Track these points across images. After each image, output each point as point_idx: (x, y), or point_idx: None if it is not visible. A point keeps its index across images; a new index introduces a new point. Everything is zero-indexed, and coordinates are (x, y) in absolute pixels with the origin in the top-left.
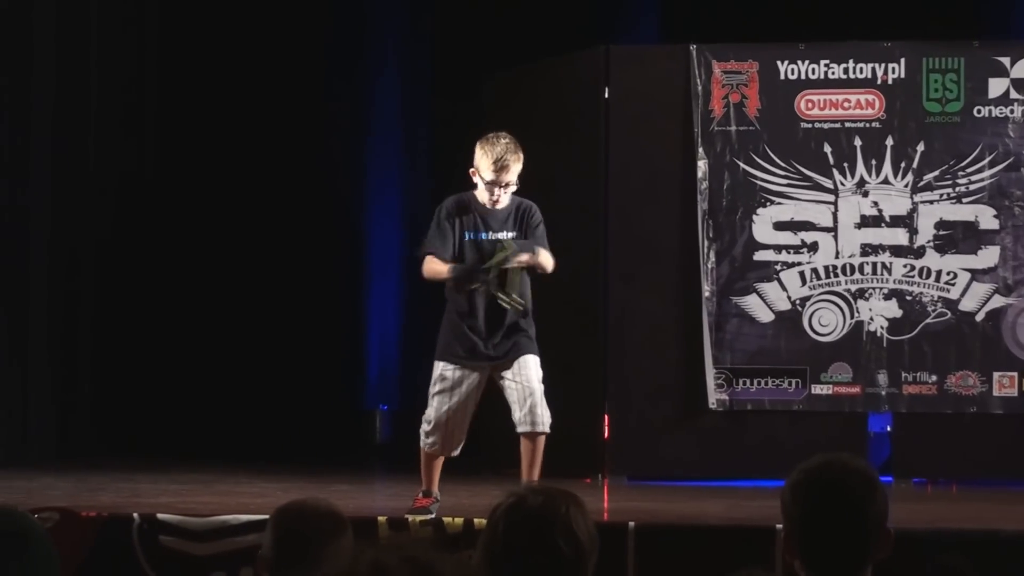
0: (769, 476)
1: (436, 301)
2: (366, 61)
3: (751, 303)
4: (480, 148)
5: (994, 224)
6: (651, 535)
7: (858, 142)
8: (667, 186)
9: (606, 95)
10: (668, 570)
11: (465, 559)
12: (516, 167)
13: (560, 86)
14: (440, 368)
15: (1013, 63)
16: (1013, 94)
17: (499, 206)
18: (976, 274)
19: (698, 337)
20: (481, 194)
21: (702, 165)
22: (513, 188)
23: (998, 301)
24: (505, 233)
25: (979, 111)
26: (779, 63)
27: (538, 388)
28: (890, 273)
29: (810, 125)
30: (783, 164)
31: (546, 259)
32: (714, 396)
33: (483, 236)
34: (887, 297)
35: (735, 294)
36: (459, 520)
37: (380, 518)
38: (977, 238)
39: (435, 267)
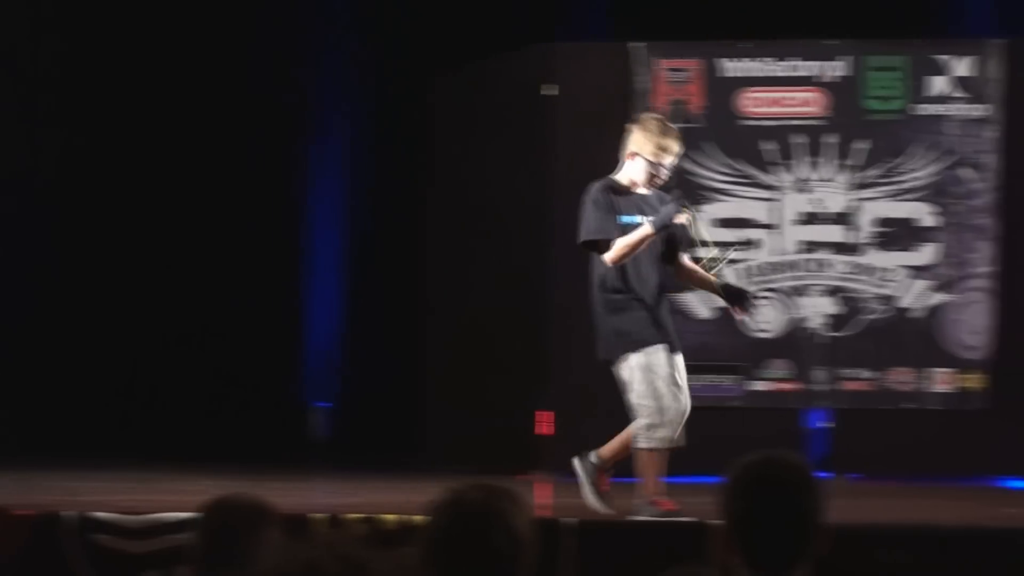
0: (707, 472)
1: (375, 296)
2: (308, 55)
3: (690, 300)
4: (657, 128)
5: (933, 221)
6: (588, 531)
7: (800, 140)
8: None
9: (549, 92)
10: (605, 566)
11: (400, 556)
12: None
13: (504, 83)
14: (650, 354)
15: (954, 62)
16: (954, 93)
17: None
18: (915, 271)
19: None
20: (634, 176)
21: None
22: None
23: (936, 298)
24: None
25: (920, 109)
26: (722, 61)
27: None
28: (830, 270)
29: (752, 123)
30: (725, 161)
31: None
32: None
33: (635, 219)
34: (827, 294)
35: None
36: (395, 517)
37: (316, 515)
38: (917, 235)
39: (629, 240)
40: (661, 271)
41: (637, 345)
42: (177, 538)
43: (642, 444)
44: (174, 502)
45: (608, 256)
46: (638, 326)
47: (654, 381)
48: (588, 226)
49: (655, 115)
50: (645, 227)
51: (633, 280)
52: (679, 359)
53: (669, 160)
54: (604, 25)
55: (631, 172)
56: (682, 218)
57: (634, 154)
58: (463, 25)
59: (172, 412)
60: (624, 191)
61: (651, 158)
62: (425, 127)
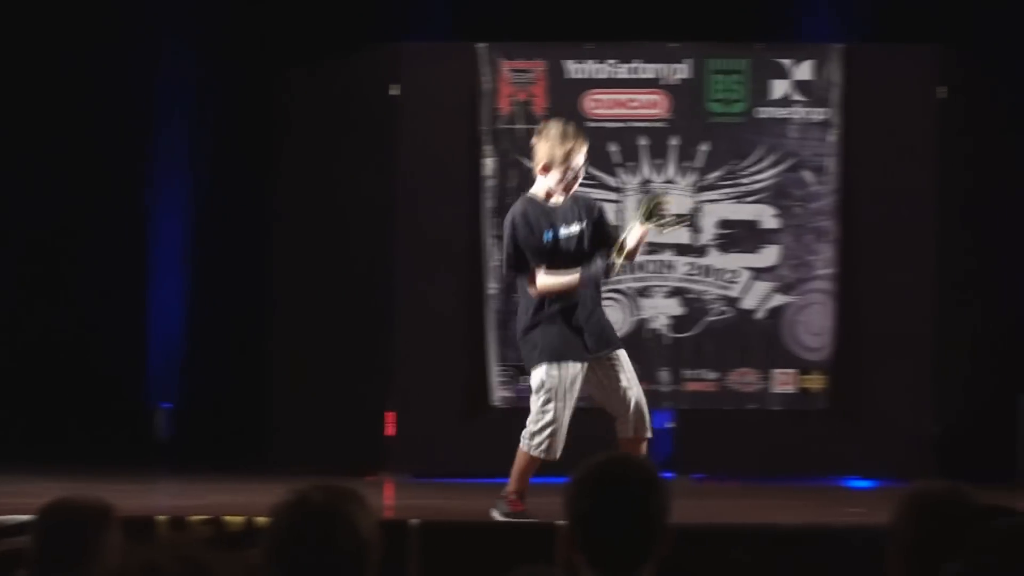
0: (552, 473)
1: (221, 296)
2: (154, 52)
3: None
4: (571, 135)
5: (775, 224)
6: (434, 532)
7: (643, 141)
8: (455, 183)
9: (395, 92)
10: (451, 567)
11: (245, 558)
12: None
13: (350, 83)
14: (551, 369)
15: (794, 66)
16: (794, 96)
17: (564, 196)
18: (757, 273)
19: (483, 334)
20: (547, 188)
21: (489, 163)
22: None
23: (778, 299)
24: (580, 226)
25: (761, 112)
26: (566, 62)
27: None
28: (674, 272)
29: (596, 124)
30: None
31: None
32: (498, 393)
33: (555, 234)
34: (670, 295)
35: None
36: (240, 519)
37: (159, 517)
38: (758, 237)
39: (560, 281)
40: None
41: (543, 359)
42: (15, 541)
43: (523, 447)
44: (15, 504)
45: (532, 291)
46: (547, 340)
47: (548, 395)
48: (509, 260)
49: (555, 120)
50: (574, 276)
51: (549, 299)
52: (619, 356)
53: (577, 161)
54: (450, 25)
55: (547, 184)
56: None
57: (545, 167)
58: (311, 24)
59: (13, 413)
60: (545, 205)
61: (561, 165)
62: (273, 125)
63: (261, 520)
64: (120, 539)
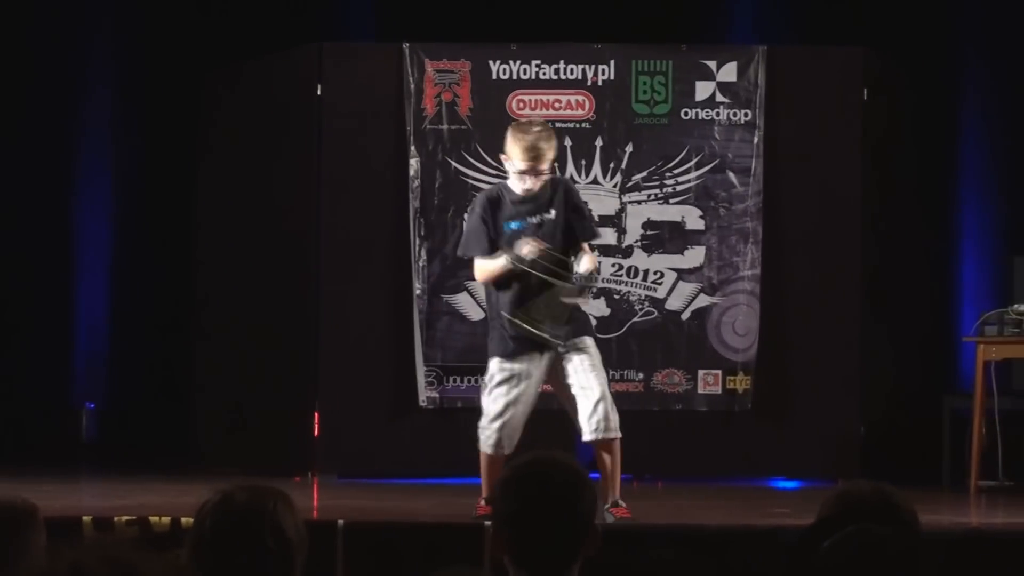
0: (479, 474)
1: (146, 296)
2: (76, 54)
3: (462, 301)
4: (512, 135)
5: (700, 224)
6: (361, 533)
7: (568, 142)
8: (380, 184)
9: (319, 92)
10: (378, 568)
11: (172, 558)
12: (550, 154)
13: (274, 83)
14: (492, 365)
15: (719, 67)
16: (719, 97)
17: (525, 192)
18: (682, 274)
19: (410, 335)
20: (513, 182)
21: (414, 163)
22: (546, 176)
23: (703, 300)
24: (542, 216)
25: (686, 113)
26: (491, 63)
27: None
28: (598, 272)
29: None
30: (494, 163)
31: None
32: (424, 394)
33: (521, 224)
34: (595, 296)
35: (446, 292)
36: (166, 519)
37: (85, 518)
38: (683, 238)
39: (486, 266)
40: (527, 281)
41: (494, 352)
42: None
43: (479, 444)
44: None
45: (475, 276)
46: (491, 337)
47: (497, 389)
48: (460, 241)
49: (521, 119)
50: (501, 260)
51: (492, 295)
52: (572, 356)
53: (520, 161)
54: (375, 26)
55: (511, 177)
56: (526, 251)
57: (505, 157)
58: (234, 24)
59: None
60: (512, 196)
61: (510, 160)
62: (198, 125)
63: (187, 520)
64: (46, 541)
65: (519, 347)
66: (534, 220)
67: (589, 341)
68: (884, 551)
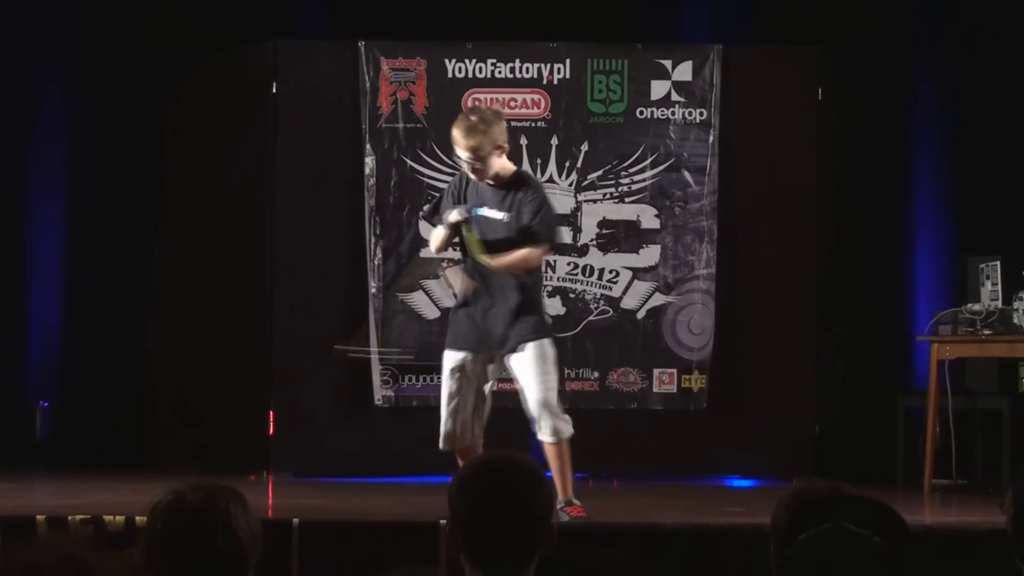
0: (435, 472)
1: (100, 293)
2: (29, 52)
3: (417, 300)
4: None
5: (655, 224)
6: (316, 532)
7: (524, 141)
8: (335, 182)
9: (275, 90)
10: (333, 567)
11: (126, 557)
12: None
13: (229, 80)
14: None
15: (674, 66)
16: (674, 96)
17: (487, 181)
18: (638, 272)
19: (366, 334)
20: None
21: (369, 162)
22: (489, 164)
23: (659, 299)
24: (498, 213)
25: (641, 112)
26: (447, 61)
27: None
28: (554, 271)
29: None
30: (450, 162)
31: (510, 262)
32: (380, 392)
33: (476, 210)
34: (551, 295)
35: (401, 290)
36: (120, 518)
37: (39, 517)
38: (639, 237)
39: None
40: (482, 271)
41: (446, 345)
42: None
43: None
44: None
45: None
46: (449, 327)
47: (443, 383)
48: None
49: (472, 107)
50: (436, 230)
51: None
52: (512, 358)
53: (459, 152)
54: (331, 23)
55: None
56: (454, 216)
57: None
58: (189, 20)
59: None
60: (469, 181)
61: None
62: (153, 123)
63: (142, 519)
64: (0, 540)
65: (455, 339)
66: (484, 212)
67: (532, 345)
68: (862, 549)
